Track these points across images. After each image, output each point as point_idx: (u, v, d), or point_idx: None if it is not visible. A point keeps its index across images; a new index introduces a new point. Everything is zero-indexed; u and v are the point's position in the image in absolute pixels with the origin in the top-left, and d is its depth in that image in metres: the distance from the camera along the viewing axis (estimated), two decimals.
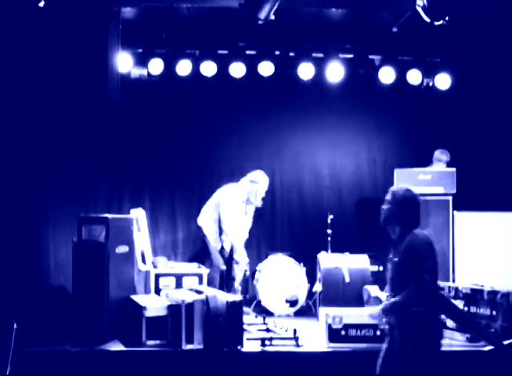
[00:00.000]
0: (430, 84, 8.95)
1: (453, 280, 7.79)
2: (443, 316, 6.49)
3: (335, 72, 8.80)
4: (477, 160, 8.90)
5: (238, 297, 6.03)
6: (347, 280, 7.57)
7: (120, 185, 8.96)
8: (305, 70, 8.75)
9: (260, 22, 6.54)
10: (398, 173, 8.21)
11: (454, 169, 8.07)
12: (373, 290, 6.79)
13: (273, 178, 9.23)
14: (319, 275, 7.78)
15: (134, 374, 5.70)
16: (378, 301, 6.46)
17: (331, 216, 8.43)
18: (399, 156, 9.16)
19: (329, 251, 8.27)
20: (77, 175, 8.76)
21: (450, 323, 6.42)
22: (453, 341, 6.23)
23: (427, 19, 6.01)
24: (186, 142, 9.09)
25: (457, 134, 8.99)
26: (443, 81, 8.89)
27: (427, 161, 8.49)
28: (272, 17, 6.52)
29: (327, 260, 7.80)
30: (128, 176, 9.02)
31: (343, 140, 9.27)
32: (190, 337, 5.75)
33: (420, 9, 6.01)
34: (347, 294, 7.56)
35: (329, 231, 8.36)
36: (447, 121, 9.05)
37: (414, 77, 8.84)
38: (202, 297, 5.84)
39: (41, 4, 6.10)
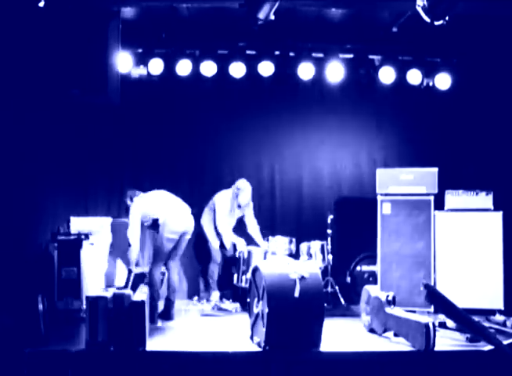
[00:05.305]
0: (430, 84, 8.95)
1: (434, 280, 7.81)
2: (443, 316, 6.54)
3: (335, 72, 8.80)
4: (476, 159, 8.92)
5: (143, 296, 6.05)
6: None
7: (120, 185, 8.95)
8: (305, 70, 8.76)
9: (260, 22, 6.54)
10: (379, 173, 8.21)
11: (436, 169, 8.07)
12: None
13: (273, 178, 9.24)
14: None
15: (134, 374, 5.70)
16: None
17: (331, 216, 8.45)
18: (399, 156, 9.16)
19: (330, 250, 8.32)
20: (77, 175, 8.77)
21: (450, 323, 6.43)
22: (453, 341, 6.23)
23: (427, 19, 6.02)
24: (186, 142, 9.08)
25: (456, 134, 9.01)
26: (443, 81, 8.89)
27: (427, 161, 8.48)
28: (272, 17, 6.52)
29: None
30: (128, 176, 9.01)
31: (343, 140, 9.27)
32: (94, 333, 5.75)
33: (420, 9, 6.01)
34: None
35: (329, 231, 8.38)
36: (447, 121, 9.06)
37: (414, 77, 8.84)
38: (108, 294, 5.87)
39: (41, 4, 6.10)
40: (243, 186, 8.31)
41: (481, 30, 8.01)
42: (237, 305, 8.12)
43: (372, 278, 8.39)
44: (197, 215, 8.22)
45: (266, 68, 8.71)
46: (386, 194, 8.14)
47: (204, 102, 9.04)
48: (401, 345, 6.04)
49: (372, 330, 6.60)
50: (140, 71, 8.68)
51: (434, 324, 5.75)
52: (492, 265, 7.75)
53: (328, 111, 9.11)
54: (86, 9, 6.23)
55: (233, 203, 8.36)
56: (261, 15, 6.46)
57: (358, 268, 8.65)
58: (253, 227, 8.50)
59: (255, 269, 6.04)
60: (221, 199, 8.42)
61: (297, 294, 5.65)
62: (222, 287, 8.64)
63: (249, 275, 6.28)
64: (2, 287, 6.83)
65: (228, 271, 8.46)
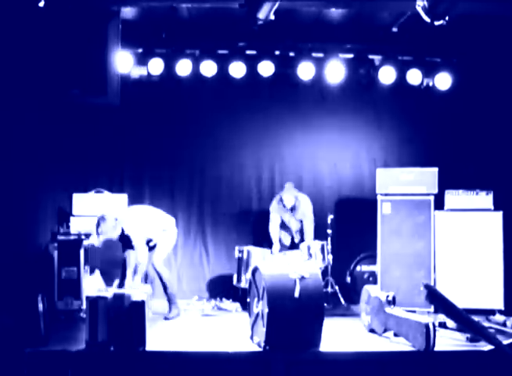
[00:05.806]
0: (430, 84, 8.95)
1: (434, 280, 7.81)
2: (443, 316, 6.54)
3: (335, 72, 8.80)
4: (476, 159, 8.93)
5: (143, 296, 6.04)
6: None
7: (120, 185, 8.96)
8: (305, 70, 8.75)
9: (260, 22, 6.54)
10: (379, 173, 8.21)
11: (436, 169, 8.08)
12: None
13: (273, 178, 9.24)
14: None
15: (134, 374, 5.70)
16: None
17: (331, 216, 8.45)
18: (399, 156, 9.16)
19: (330, 250, 8.32)
20: (77, 175, 8.77)
21: (450, 323, 6.43)
22: (453, 341, 6.23)
23: (427, 19, 6.01)
24: (186, 141, 9.08)
25: (456, 134, 9.02)
26: (443, 81, 8.89)
27: (427, 161, 8.48)
28: (272, 17, 6.52)
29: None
30: (128, 176, 9.02)
31: (343, 140, 9.27)
32: (94, 333, 5.75)
33: (420, 9, 6.01)
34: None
35: (329, 231, 8.38)
36: (447, 121, 9.06)
37: (414, 77, 8.85)
38: (108, 295, 5.86)
39: (41, 4, 6.10)
40: (286, 186, 8.38)
41: (481, 30, 8.01)
42: (237, 305, 8.13)
43: (372, 278, 8.39)
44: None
45: (266, 68, 8.71)
46: (386, 194, 8.14)
47: (204, 102, 9.04)
48: (401, 345, 6.05)
49: (372, 330, 6.60)
50: (140, 71, 8.68)
51: (434, 324, 5.75)
52: (492, 265, 7.76)
53: (328, 111, 9.11)
54: (86, 8, 6.23)
55: (280, 205, 8.39)
56: (261, 15, 6.45)
57: (358, 268, 8.65)
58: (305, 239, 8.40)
59: (255, 269, 6.05)
60: (272, 203, 8.50)
61: (297, 294, 5.65)
62: (222, 287, 8.67)
63: (249, 275, 6.28)
64: (2, 287, 6.82)
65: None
